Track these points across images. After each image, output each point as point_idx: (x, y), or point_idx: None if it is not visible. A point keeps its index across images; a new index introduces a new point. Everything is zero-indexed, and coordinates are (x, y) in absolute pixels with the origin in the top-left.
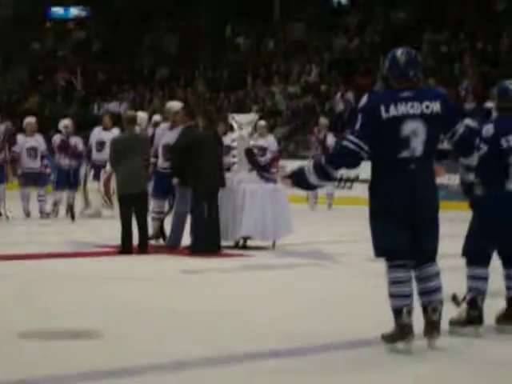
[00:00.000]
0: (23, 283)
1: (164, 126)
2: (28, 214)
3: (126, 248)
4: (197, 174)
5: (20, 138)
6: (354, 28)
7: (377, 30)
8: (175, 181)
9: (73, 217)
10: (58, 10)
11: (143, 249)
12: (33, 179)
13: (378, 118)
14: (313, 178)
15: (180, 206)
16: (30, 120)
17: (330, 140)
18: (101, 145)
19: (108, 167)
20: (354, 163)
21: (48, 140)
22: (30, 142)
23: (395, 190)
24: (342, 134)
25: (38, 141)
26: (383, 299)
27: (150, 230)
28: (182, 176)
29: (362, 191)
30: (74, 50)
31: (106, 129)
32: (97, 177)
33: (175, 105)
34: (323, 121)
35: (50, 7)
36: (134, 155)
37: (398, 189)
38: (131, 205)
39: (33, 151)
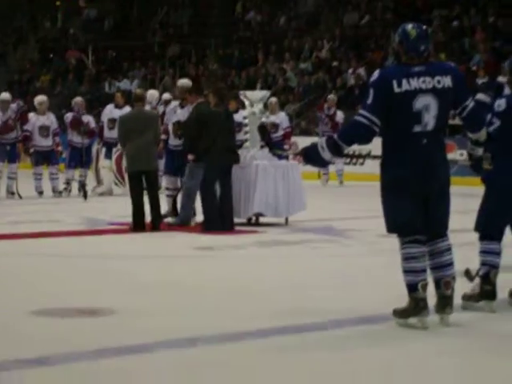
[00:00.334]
0: (36, 261)
1: (174, 103)
2: (41, 193)
3: (137, 225)
4: (209, 151)
5: (32, 116)
6: (364, 4)
7: (388, 5)
8: (190, 157)
9: (85, 195)
10: None
11: (155, 225)
12: (45, 158)
13: (389, 93)
14: (325, 154)
15: (189, 182)
16: (41, 98)
17: (339, 116)
18: (112, 123)
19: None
20: (366, 138)
21: (60, 118)
22: (41, 120)
23: (407, 165)
24: (354, 109)
25: (49, 119)
26: (396, 275)
27: (165, 208)
28: (195, 152)
29: (373, 167)
30: (85, 28)
31: (118, 106)
32: (108, 155)
33: (186, 82)
34: (332, 97)
35: None
36: (142, 132)
37: (410, 164)
38: (141, 182)
39: (45, 130)
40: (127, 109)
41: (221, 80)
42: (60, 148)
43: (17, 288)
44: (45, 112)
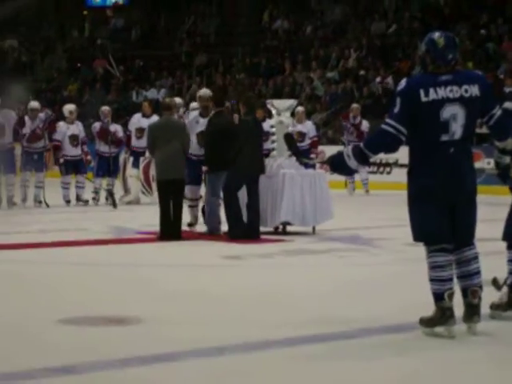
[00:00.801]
0: (63, 270)
1: (194, 113)
2: (68, 202)
3: (165, 234)
4: (235, 160)
5: (62, 125)
6: (391, 13)
7: (415, 14)
8: (204, 168)
9: (114, 204)
10: None
11: (176, 234)
12: (74, 167)
13: (417, 102)
14: (352, 162)
15: (210, 193)
16: (71, 107)
17: (365, 125)
18: (140, 132)
19: (147, 154)
20: (392, 147)
21: (87, 127)
22: (71, 129)
23: (434, 174)
24: (380, 118)
25: (78, 128)
26: (423, 284)
27: (186, 217)
28: (210, 163)
29: (400, 176)
30: (113, 38)
31: (145, 116)
32: (136, 164)
33: (207, 92)
34: (356, 106)
35: None
36: (170, 141)
37: (437, 172)
38: (169, 190)
39: (74, 139)
40: (155, 118)
41: (248, 89)
42: (89, 157)
43: (44, 296)
44: (74, 121)
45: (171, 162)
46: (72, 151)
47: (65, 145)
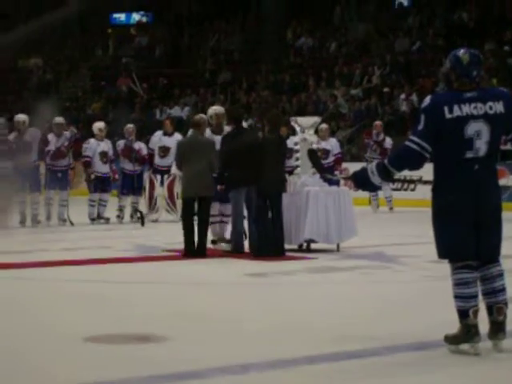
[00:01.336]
0: (87, 288)
1: (207, 132)
2: (93, 220)
3: (189, 252)
4: (258, 177)
5: (92, 142)
6: (415, 30)
7: (439, 31)
8: (218, 187)
9: (142, 222)
10: (119, 16)
11: (201, 251)
12: (103, 184)
13: (441, 119)
14: (375, 179)
15: (234, 211)
16: (101, 125)
17: (388, 142)
18: (164, 151)
19: (172, 171)
20: (417, 164)
21: (111, 145)
22: (102, 146)
23: (459, 191)
24: (404, 135)
25: (108, 145)
26: (447, 301)
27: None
28: (230, 179)
29: (425, 193)
30: (137, 56)
31: (166, 134)
32: (160, 182)
33: (220, 109)
34: (379, 123)
35: (112, 13)
36: (198, 158)
37: (461, 189)
38: (194, 208)
39: (104, 156)
40: (177, 135)
41: (272, 106)
42: (117, 176)
43: (70, 314)
44: (103, 138)
45: (198, 179)
46: (102, 168)
47: (95, 161)
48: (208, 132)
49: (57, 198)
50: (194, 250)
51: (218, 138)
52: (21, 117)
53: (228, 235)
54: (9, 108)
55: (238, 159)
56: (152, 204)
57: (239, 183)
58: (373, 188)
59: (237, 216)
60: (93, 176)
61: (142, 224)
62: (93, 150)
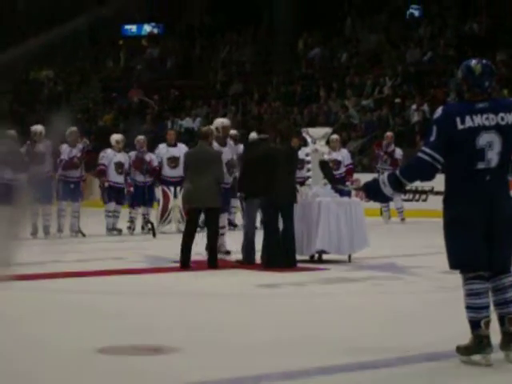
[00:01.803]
0: (99, 299)
1: (214, 144)
2: (110, 230)
3: (183, 262)
4: (269, 188)
5: (109, 151)
6: (426, 40)
7: (450, 41)
8: (240, 195)
9: (154, 233)
10: (131, 28)
11: (212, 263)
12: (117, 194)
13: (453, 130)
14: (387, 190)
15: (247, 222)
16: (117, 137)
17: (398, 153)
18: (173, 161)
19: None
20: (428, 175)
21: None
22: (118, 157)
23: (470, 202)
24: (416, 146)
25: (124, 157)
26: (459, 311)
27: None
28: (246, 189)
29: (436, 203)
30: (148, 67)
31: (170, 145)
32: (174, 193)
33: (227, 121)
34: (390, 134)
35: (123, 25)
36: (204, 169)
37: (473, 200)
38: (197, 220)
39: (119, 166)
40: (181, 146)
41: (283, 117)
42: (131, 189)
43: (81, 325)
44: (120, 150)
45: (203, 190)
46: (116, 178)
47: (110, 171)
48: (215, 144)
49: (69, 210)
50: (187, 261)
51: (225, 150)
52: (38, 128)
53: (227, 246)
54: (21, 120)
55: (252, 170)
56: (165, 216)
57: (252, 194)
58: (384, 199)
59: (249, 227)
60: (106, 184)
61: (154, 235)
62: (109, 159)
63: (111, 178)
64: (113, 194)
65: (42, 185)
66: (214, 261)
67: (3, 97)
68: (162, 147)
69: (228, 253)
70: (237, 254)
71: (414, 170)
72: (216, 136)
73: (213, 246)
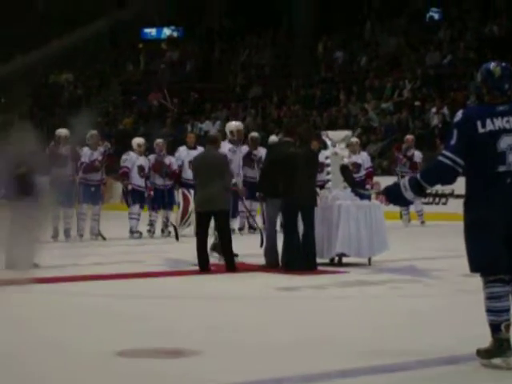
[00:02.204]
0: (119, 302)
1: (228, 145)
2: (135, 233)
3: (201, 266)
4: (289, 190)
5: (132, 154)
6: (446, 43)
7: (470, 44)
8: (259, 195)
9: (177, 236)
10: (150, 31)
11: (230, 266)
12: (139, 197)
13: (473, 133)
14: (408, 194)
15: (268, 225)
16: (139, 140)
17: (418, 156)
18: None
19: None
20: (449, 178)
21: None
22: (140, 160)
23: (491, 205)
24: (436, 149)
25: (145, 161)
26: (479, 315)
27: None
28: (265, 189)
29: (456, 207)
30: (168, 71)
31: (190, 148)
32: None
33: (240, 125)
34: (410, 137)
35: (142, 28)
36: (212, 174)
37: (494, 203)
38: (208, 223)
39: (142, 169)
40: (201, 149)
41: (303, 120)
42: (152, 192)
43: (101, 328)
44: (142, 154)
45: (211, 194)
46: (138, 181)
47: (133, 174)
48: (228, 145)
49: (89, 213)
50: (205, 264)
51: (239, 149)
52: (62, 131)
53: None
54: (40, 123)
55: (272, 171)
56: (185, 219)
57: (272, 195)
58: (405, 203)
59: (271, 230)
60: (130, 187)
61: (177, 239)
62: (132, 162)
63: (134, 180)
64: (137, 197)
65: (64, 188)
66: (231, 264)
67: (23, 100)
68: (183, 150)
69: (235, 255)
70: (256, 257)
71: (434, 174)
72: (231, 139)
73: (228, 250)
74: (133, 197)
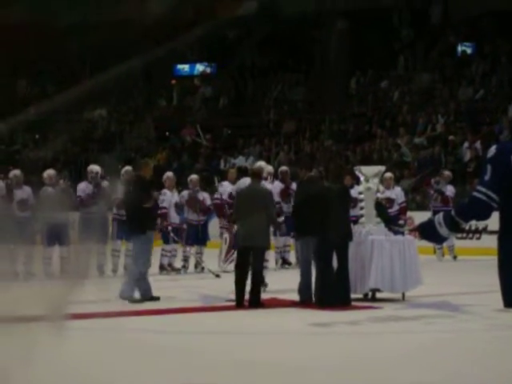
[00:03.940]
0: (152, 338)
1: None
2: (165, 269)
3: (238, 302)
4: (323, 227)
5: (167, 192)
6: (479, 78)
7: (502, 79)
8: (294, 234)
9: (216, 274)
10: (183, 67)
11: (254, 301)
12: (176, 234)
13: (508, 168)
14: (443, 230)
15: (302, 262)
16: (169, 174)
17: (450, 190)
18: None
19: None
20: (484, 214)
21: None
22: (175, 197)
23: None
24: (468, 184)
25: (176, 196)
26: None
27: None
28: (299, 228)
29: (490, 242)
30: (201, 106)
31: (231, 182)
32: None
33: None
34: (447, 173)
35: (176, 64)
36: (255, 208)
37: None
38: (249, 258)
39: (177, 206)
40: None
41: (336, 156)
42: (185, 226)
43: (133, 365)
44: (172, 188)
45: (254, 229)
46: (176, 219)
47: (171, 213)
48: (276, 182)
49: (123, 249)
50: (241, 300)
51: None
52: (94, 168)
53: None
54: (74, 160)
55: (304, 209)
56: (230, 254)
57: (305, 233)
58: (440, 240)
59: (305, 267)
60: (170, 228)
61: (217, 275)
62: (168, 201)
63: (172, 219)
64: (176, 235)
65: (99, 224)
66: (256, 300)
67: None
68: (226, 185)
69: (265, 285)
70: (289, 293)
71: (469, 210)
72: (281, 179)
73: (256, 285)
74: (172, 235)
